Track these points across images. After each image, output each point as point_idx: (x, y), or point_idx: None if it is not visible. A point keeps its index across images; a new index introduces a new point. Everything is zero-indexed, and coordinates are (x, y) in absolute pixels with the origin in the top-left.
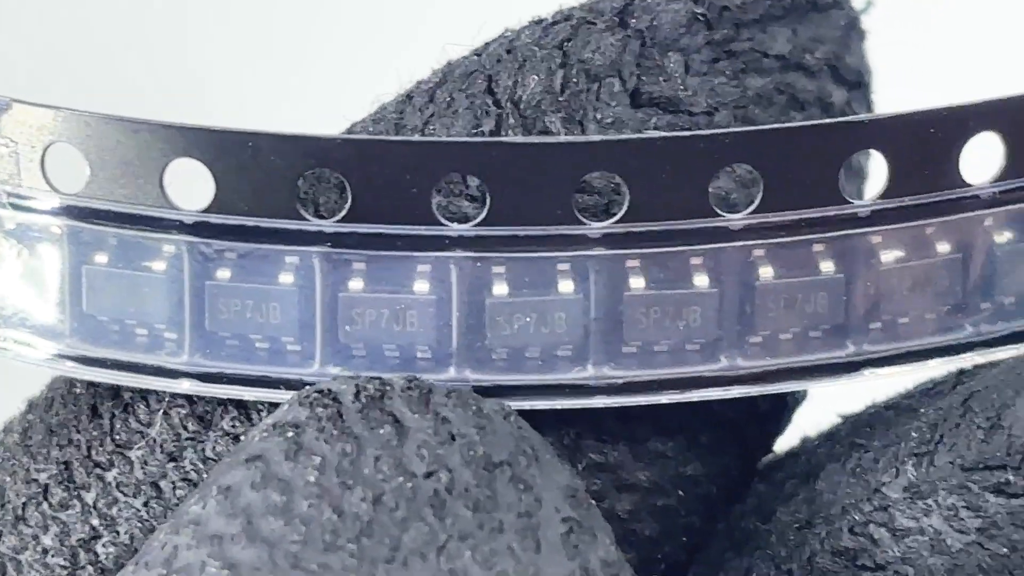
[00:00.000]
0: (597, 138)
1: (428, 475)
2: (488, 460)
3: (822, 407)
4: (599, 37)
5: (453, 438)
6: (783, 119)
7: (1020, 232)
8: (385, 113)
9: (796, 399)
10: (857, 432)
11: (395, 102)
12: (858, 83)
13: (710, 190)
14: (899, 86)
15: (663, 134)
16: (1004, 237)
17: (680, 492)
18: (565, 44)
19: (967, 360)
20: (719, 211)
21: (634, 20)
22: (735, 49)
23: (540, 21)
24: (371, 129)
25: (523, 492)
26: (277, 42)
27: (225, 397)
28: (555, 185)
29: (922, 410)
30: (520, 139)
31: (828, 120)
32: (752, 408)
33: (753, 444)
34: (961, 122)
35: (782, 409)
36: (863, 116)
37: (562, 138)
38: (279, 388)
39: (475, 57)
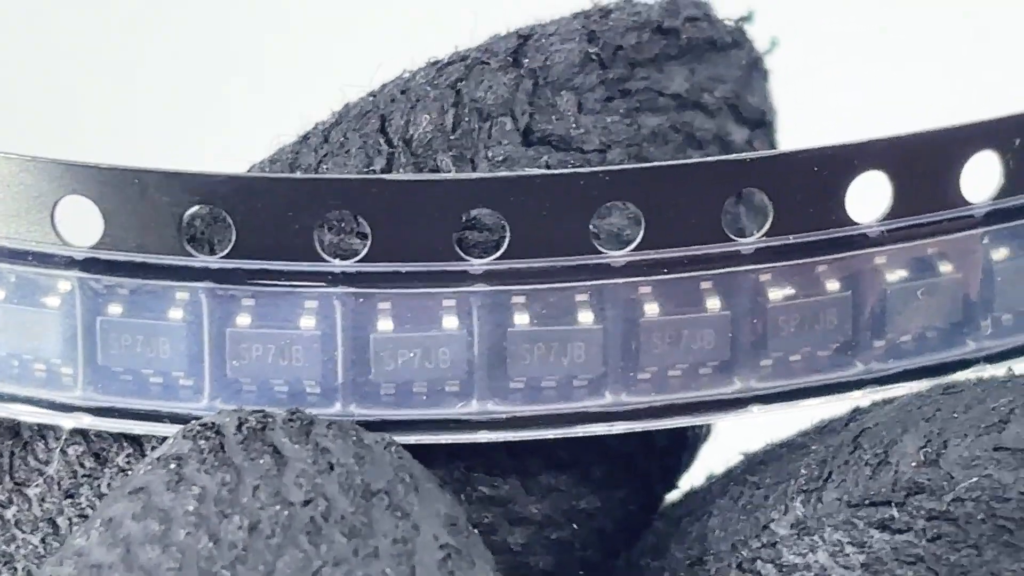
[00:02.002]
0: (476, 175)
1: (305, 503)
2: (366, 488)
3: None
4: (492, 76)
5: (332, 467)
6: (679, 157)
7: (911, 270)
8: (282, 154)
9: (698, 435)
10: (751, 469)
11: (293, 143)
12: (760, 122)
13: (597, 226)
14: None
15: (542, 171)
16: (895, 275)
17: (574, 526)
18: (458, 84)
19: (857, 398)
20: (600, 248)
21: (527, 60)
22: (630, 88)
23: (436, 62)
24: (267, 168)
25: (400, 519)
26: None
27: (117, 431)
28: (436, 222)
29: (814, 447)
30: (400, 176)
31: (710, 158)
32: (648, 443)
33: (652, 479)
34: (847, 161)
35: (681, 445)
36: (745, 155)
37: (441, 175)
38: (168, 422)
39: (370, 98)
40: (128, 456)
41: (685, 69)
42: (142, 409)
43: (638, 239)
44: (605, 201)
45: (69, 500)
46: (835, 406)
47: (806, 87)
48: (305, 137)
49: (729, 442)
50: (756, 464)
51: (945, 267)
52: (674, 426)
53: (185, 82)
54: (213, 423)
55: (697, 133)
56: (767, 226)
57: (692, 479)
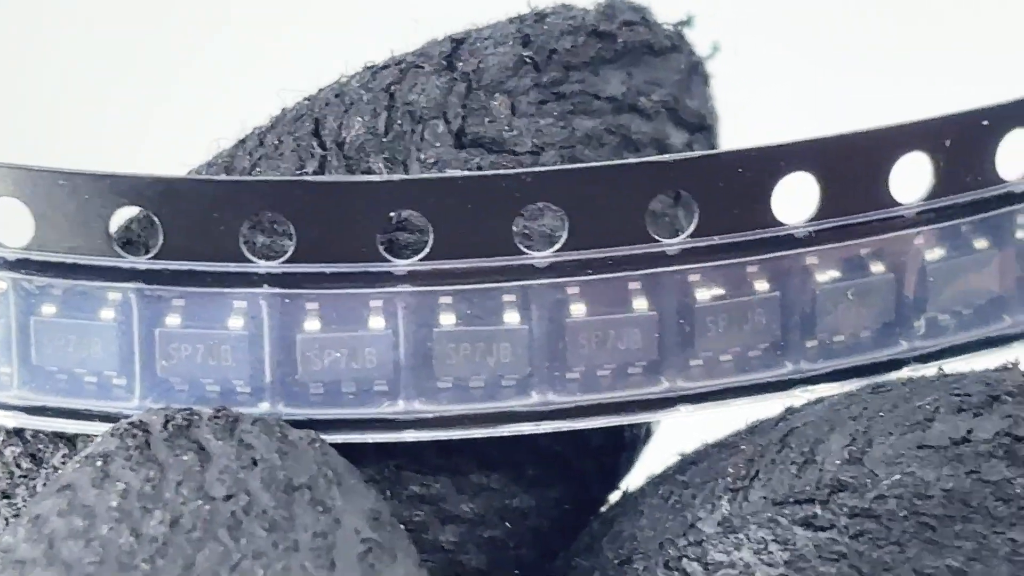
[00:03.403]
0: (398, 177)
1: (227, 498)
2: (288, 483)
3: None
4: (425, 80)
5: (255, 463)
6: (614, 159)
7: (842, 271)
8: (219, 158)
9: (636, 436)
10: (682, 468)
11: (230, 147)
12: (701, 126)
13: (529, 228)
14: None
15: (465, 173)
16: (825, 276)
17: (507, 524)
18: (392, 87)
19: (788, 398)
20: (525, 248)
21: (461, 63)
22: (564, 91)
23: (372, 66)
24: (204, 172)
25: (321, 513)
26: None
27: (53, 430)
28: (359, 223)
29: (743, 446)
30: (322, 178)
31: (632, 160)
32: (582, 443)
33: (588, 479)
34: (772, 162)
35: (618, 445)
36: (669, 156)
37: (364, 177)
38: (102, 421)
39: (305, 101)
40: (64, 456)
41: (622, 72)
42: (77, 408)
43: (562, 240)
44: (528, 202)
45: (5, 500)
46: (769, 406)
47: (751, 90)
48: (242, 141)
49: (676, 443)
50: (687, 464)
51: (876, 267)
52: (602, 425)
53: (131, 83)
54: (141, 421)
55: (634, 136)
56: (692, 227)
57: (633, 480)
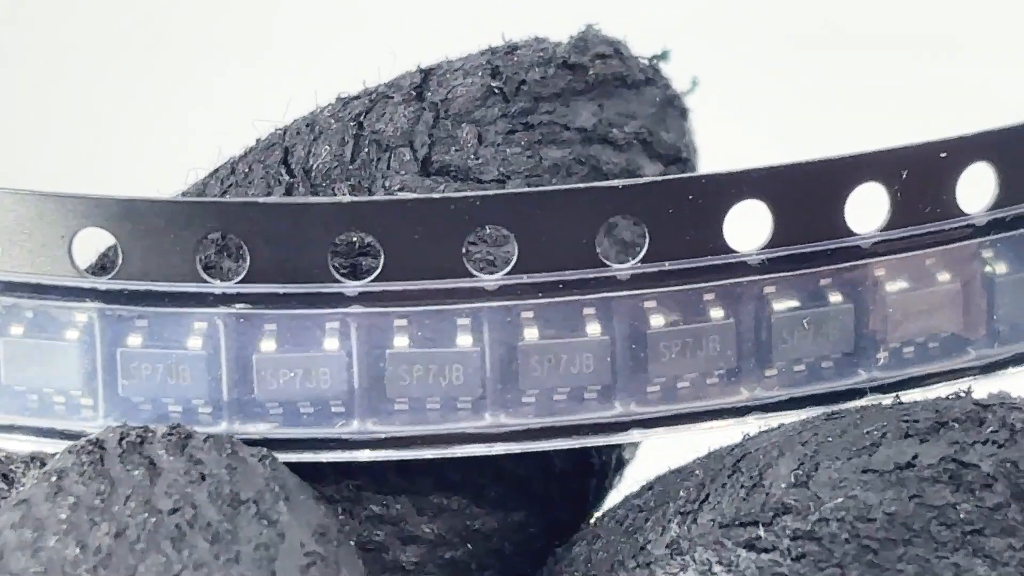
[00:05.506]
0: (348, 199)
1: (173, 511)
2: (235, 497)
3: None
4: (393, 109)
5: (203, 477)
6: None
7: (799, 300)
8: (194, 187)
9: (607, 462)
10: (639, 493)
11: (205, 176)
12: (676, 158)
13: (493, 254)
14: None
15: (415, 195)
16: (781, 304)
17: (468, 546)
18: (361, 117)
19: (743, 424)
20: (474, 271)
21: (430, 93)
22: (532, 121)
23: (344, 97)
24: None
25: (266, 527)
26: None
27: (25, 450)
28: (311, 244)
29: (697, 471)
30: (275, 199)
31: (582, 185)
32: (545, 466)
33: (553, 503)
34: (724, 189)
35: (585, 470)
36: (618, 182)
37: (314, 199)
38: (67, 439)
39: (278, 131)
40: (35, 476)
41: (593, 104)
42: (45, 427)
43: (512, 263)
44: (478, 225)
45: None
46: (729, 431)
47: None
48: (215, 170)
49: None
50: (645, 489)
51: (834, 297)
52: (555, 448)
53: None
54: (98, 438)
55: (604, 167)
56: (643, 252)
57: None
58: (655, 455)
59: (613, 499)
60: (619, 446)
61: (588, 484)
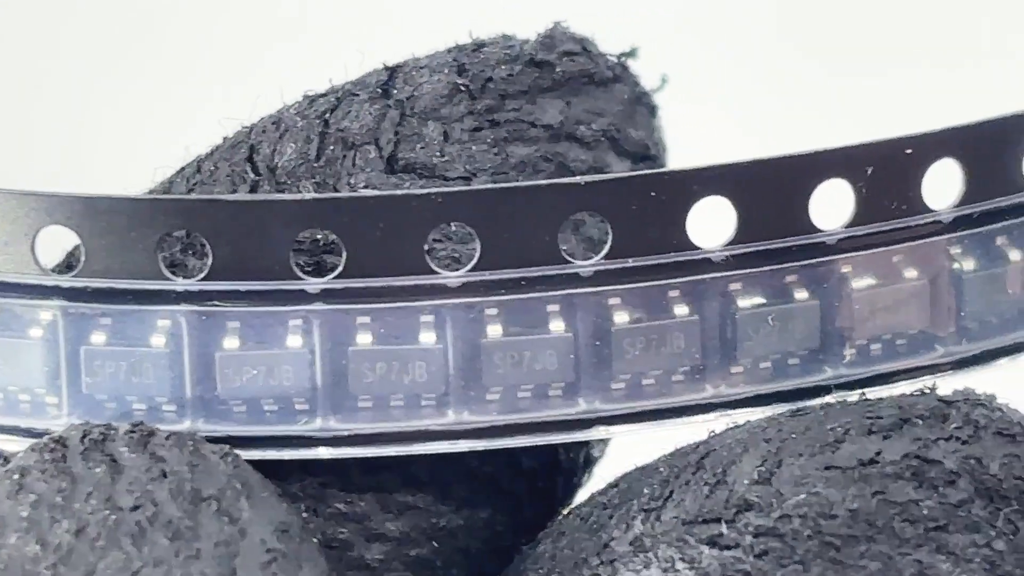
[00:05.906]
0: (310, 196)
1: (134, 508)
2: (196, 494)
3: None
4: (359, 107)
5: (165, 475)
6: None
7: (763, 296)
8: (161, 186)
9: (575, 460)
10: (604, 491)
11: (171, 175)
12: (644, 156)
13: (458, 251)
14: None
15: (377, 192)
16: (746, 301)
17: (434, 544)
18: (327, 115)
19: (707, 421)
20: (436, 268)
21: (396, 91)
22: (498, 119)
23: (310, 95)
24: None
25: (227, 524)
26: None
27: None
28: (272, 241)
29: (661, 468)
30: (236, 196)
31: (543, 181)
32: (513, 465)
33: (521, 501)
34: (686, 186)
35: (552, 468)
36: (580, 178)
37: (276, 196)
38: (33, 438)
39: (243, 129)
40: None
41: (560, 102)
42: (10, 425)
43: (475, 260)
44: (440, 222)
45: None
46: (694, 428)
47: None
48: (182, 169)
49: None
50: (611, 487)
51: (799, 294)
52: (518, 445)
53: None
54: (61, 436)
55: (571, 164)
56: (605, 249)
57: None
58: (626, 453)
59: (581, 497)
60: (588, 443)
61: (556, 482)
